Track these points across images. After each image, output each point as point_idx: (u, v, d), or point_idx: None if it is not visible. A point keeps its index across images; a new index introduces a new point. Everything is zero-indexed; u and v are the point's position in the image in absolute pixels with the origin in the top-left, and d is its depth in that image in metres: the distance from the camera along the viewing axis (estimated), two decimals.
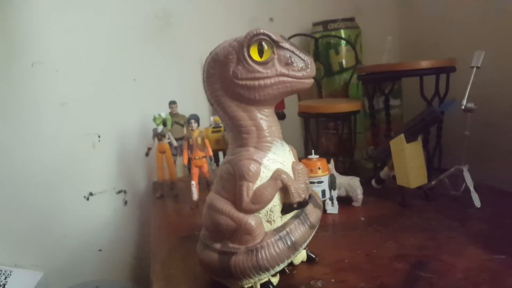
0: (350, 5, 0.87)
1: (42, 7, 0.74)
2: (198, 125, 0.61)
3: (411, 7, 0.86)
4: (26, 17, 0.73)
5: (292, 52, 0.33)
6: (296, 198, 0.35)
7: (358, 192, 0.55)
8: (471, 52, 0.52)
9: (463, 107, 0.51)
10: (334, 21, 0.76)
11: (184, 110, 0.72)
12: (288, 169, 0.36)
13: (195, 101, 0.77)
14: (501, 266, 0.37)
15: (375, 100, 0.66)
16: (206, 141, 0.61)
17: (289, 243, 0.35)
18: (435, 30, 0.77)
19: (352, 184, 0.55)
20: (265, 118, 0.35)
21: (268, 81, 0.33)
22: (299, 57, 0.33)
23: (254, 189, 0.34)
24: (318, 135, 0.71)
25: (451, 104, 0.51)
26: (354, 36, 0.77)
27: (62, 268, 0.81)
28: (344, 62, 0.77)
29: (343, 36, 0.76)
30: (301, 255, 0.40)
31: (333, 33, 0.76)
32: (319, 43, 0.77)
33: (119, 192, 0.84)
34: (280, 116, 0.76)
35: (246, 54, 0.33)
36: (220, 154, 0.73)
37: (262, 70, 0.33)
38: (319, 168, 0.53)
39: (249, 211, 0.34)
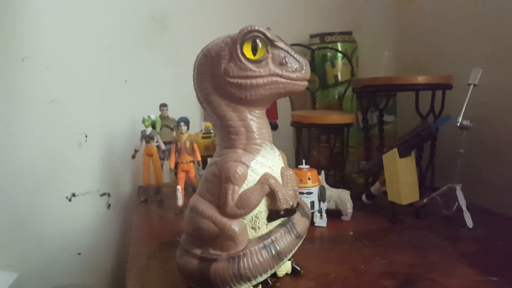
0: (348, 19, 0.87)
1: (37, 2, 0.73)
2: (188, 128, 0.59)
3: (408, 23, 0.86)
4: (20, 11, 0.72)
5: (287, 52, 0.32)
6: (283, 205, 0.33)
7: (348, 205, 0.53)
8: (468, 69, 0.52)
9: (458, 124, 0.50)
10: (331, 34, 0.76)
11: (175, 113, 0.71)
12: (276, 174, 0.34)
13: (186, 105, 0.75)
14: None
15: (369, 115, 0.66)
16: (195, 145, 0.60)
17: (273, 252, 0.33)
18: (432, 47, 0.77)
19: (342, 197, 0.54)
20: (255, 120, 0.34)
21: (260, 81, 0.32)
22: (294, 58, 0.32)
23: (239, 192, 0.32)
24: (309, 146, 0.70)
25: (446, 120, 0.51)
26: (351, 50, 0.77)
27: (38, 270, 0.77)
28: (339, 75, 0.77)
29: (339, 49, 0.76)
30: (285, 267, 0.38)
31: (330, 45, 0.76)
32: (316, 55, 0.76)
33: (103, 194, 0.81)
34: (273, 126, 0.75)
35: (239, 51, 0.31)
36: (209, 160, 0.71)
37: (255, 68, 0.32)
38: (309, 179, 0.51)
39: (233, 216, 0.33)
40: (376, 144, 0.65)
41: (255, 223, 0.34)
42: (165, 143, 0.68)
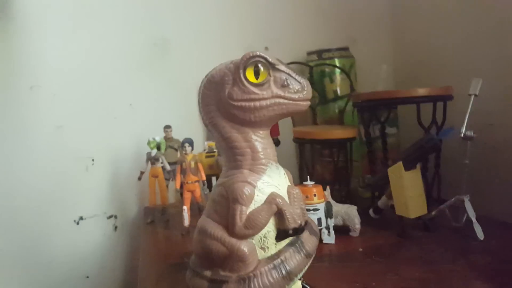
0: (344, 35, 0.89)
1: (42, 31, 0.75)
2: (192, 149, 0.60)
3: (404, 35, 0.88)
4: (26, 41, 0.74)
5: (288, 74, 0.33)
6: (291, 224, 0.33)
7: (355, 221, 0.53)
8: (467, 79, 0.52)
9: (462, 135, 0.50)
10: (328, 50, 0.78)
11: (179, 134, 0.72)
12: (283, 193, 0.35)
13: (190, 126, 0.77)
14: None
15: (371, 128, 0.66)
16: (200, 165, 0.60)
17: (283, 272, 0.33)
18: (429, 58, 0.78)
19: (349, 213, 0.53)
20: (260, 140, 0.34)
21: (263, 103, 0.32)
22: (295, 79, 0.33)
23: (247, 213, 0.33)
24: (313, 161, 0.70)
25: (449, 131, 0.51)
26: (349, 65, 0.78)
27: None
28: (338, 90, 0.78)
29: (337, 65, 0.77)
30: (296, 287, 0.38)
31: (327, 62, 0.77)
32: (314, 72, 0.77)
33: (110, 217, 0.81)
34: (275, 142, 0.75)
35: (242, 75, 0.32)
36: (214, 179, 0.71)
37: (258, 91, 0.32)
38: (315, 195, 0.51)
39: (242, 236, 0.33)
40: (380, 157, 0.65)
41: (264, 243, 0.34)
42: (170, 163, 0.69)
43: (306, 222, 0.36)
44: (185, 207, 0.59)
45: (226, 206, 0.33)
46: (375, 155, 0.66)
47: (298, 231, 0.34)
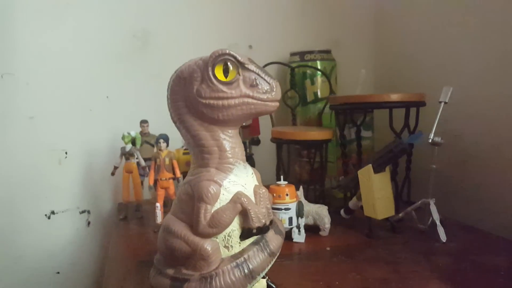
0: (328, 38, 0.90)
1: (17, 18, 0.73)
2: (167, 145, 0.60)
3: (386, 42, 0.89)
4: None
5: (258, 74, 0.33)
6: (255, 223, 0.34)
7: (325, 221, 0.54)
8: (443, 87, 0.54)
9: (430, 140, 0.52)
10: (311, 52, 0.78)
11: (157, 130, 0.71)
12: (249, 192, 0.35)
13: (168, 122, 0.75)
14: None
15: (347, 131, 0.67)
16: (174, 162, 0.60)
17: (246, 271, 0.33)
18: (409, 66, 0.80)
19: (320, 213, 0.54)
20: (228, 139, 0.34)
21: (232, 101, 0.32)
22: (265, 79, 0.33)
23: (212, 211, 0.33)
24: (289, 162, 0.70)
25: (418, 137, 0.52)
26: (330, 68, 0.79)
27: None
28: (319, 92, 0.78)
29: (319, 67, 0.77)
30: (260, 285, 0.38)
31: (309, 63, 0.77)
32: (296, 73, 0.78)
33: (83, 212, 0.80)
34: (255, 141, 0.76)
35: (210, 73, 0.32)
36: None
37: (226, 90, 0.32)
38: (287, 195, 0.52)
39: (205, 235, 0.33)
40: (354, 159, 0.66)
41: (228, 242, 0.34)
42: (146, 159, 0.68)
43: (271, 222, 0.36)
44: (158, 204, 0.59)
45: (191, 204, 0.33)
46: (349, 158, 0.67)
47: (262, 230, 0.35)
